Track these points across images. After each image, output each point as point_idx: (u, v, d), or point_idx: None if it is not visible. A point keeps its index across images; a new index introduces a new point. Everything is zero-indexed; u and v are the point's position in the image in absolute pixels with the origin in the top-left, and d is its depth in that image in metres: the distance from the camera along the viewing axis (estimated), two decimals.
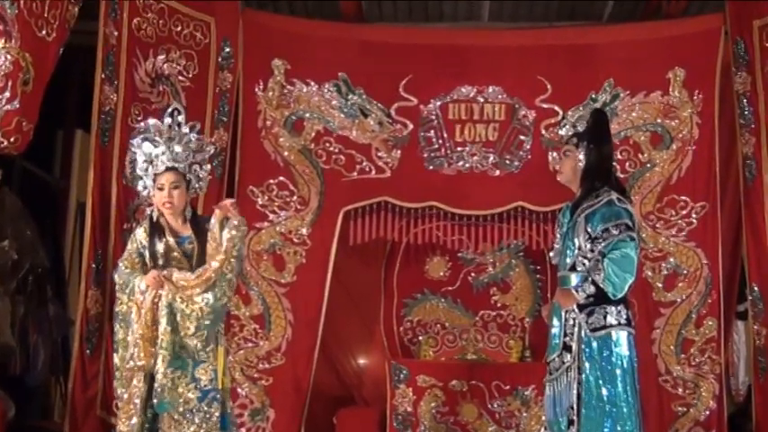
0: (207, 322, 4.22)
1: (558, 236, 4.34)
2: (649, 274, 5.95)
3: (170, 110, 4.43)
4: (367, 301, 6.54)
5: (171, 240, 4.35)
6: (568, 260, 4.19)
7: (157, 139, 4.35)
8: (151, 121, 4.43)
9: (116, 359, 4.33)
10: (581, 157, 4.27)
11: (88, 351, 5.38)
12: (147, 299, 4.22)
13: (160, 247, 4.33)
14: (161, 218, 4.40)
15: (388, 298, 6.59)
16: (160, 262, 4.34)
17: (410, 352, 6.47)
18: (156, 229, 4.37)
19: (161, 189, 4.35)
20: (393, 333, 6.52)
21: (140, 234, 4.40)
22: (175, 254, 4.35)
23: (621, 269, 4.04)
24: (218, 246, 4.26)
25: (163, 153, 4.34)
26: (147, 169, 4.36)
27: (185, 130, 4.41)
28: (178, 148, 4.36)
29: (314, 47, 6.20)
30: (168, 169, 4.35)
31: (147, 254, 4.36)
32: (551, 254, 4.44)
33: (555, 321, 4.24)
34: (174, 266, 4.33)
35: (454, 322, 6.53)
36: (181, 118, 4.40)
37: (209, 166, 4.51)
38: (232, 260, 4.26)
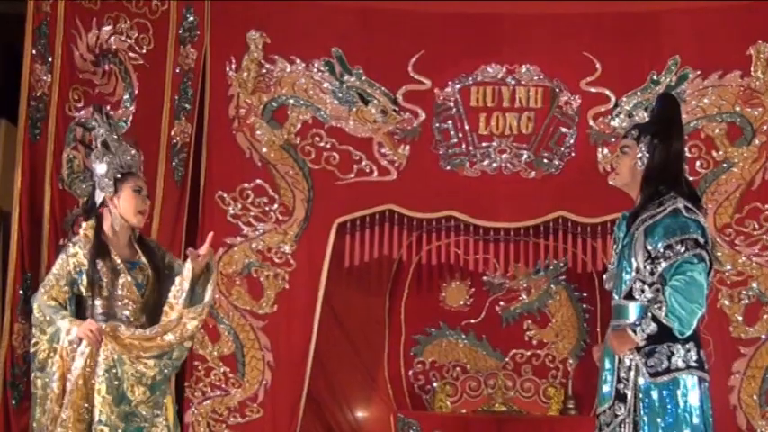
0: (163, 385, 4.27)
1: (614, 254, 4.35)
2: (726, 303, 5.95)
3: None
4: (367, 338, 6.54)
5: (120, 264, 4.30)
6: (624, 285, 4.20)
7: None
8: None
9: (36, 414, 4.26)
10: (642, 154, 4.28)
11: (14, 402, 5.40)
12: (79, 361, 4.15)
13: (105, 271, 4.27)
14: (103, 234, 4.34)
15: (395, 334, 6.59)
16: (104, 293, 4.29)
17: (422, 402, 6.47)
18: (99, 249, 4.30)
19: (138, 191, 4.35)
20: (400, 378, 6.52)
21: (76, 253, 4.32)
22: (124, 281, 4.30)
23: (688, 299, 4.02)
24: (179, 297, 4.25)
25: (133, 157, 4.39)
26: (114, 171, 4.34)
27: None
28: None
29: (300, 15, 6.20)
30: (135, 174, 4.39)
31: (83, 281, 4.28)
32: (605, 277, 4.44)
33: (607, 363, 4.23)
34: (122, 299, 4.29)
35: (478, 364, 6.54)
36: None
37: None
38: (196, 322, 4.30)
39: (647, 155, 4.26)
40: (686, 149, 5.90)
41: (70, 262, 4.32)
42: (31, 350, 4.33)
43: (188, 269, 4.27)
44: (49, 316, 4.27)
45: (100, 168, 4.30)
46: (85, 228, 4.35)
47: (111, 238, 4.34)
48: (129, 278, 4.31)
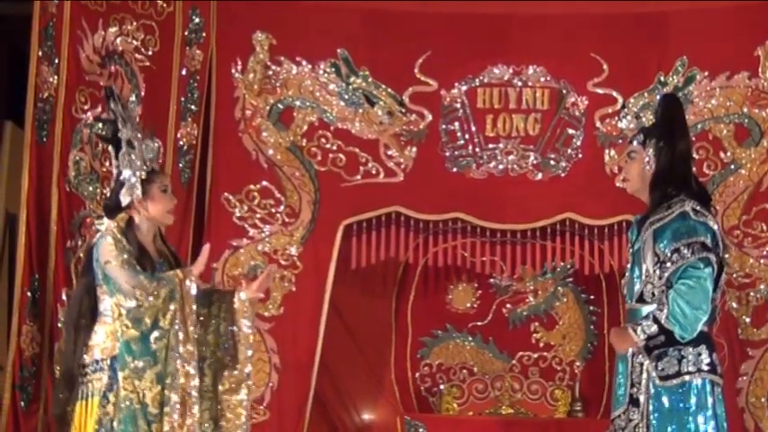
0: None
1: (630, 258, 4.38)
2: (734, 305, 5.98)
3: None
4: (374, 341, 6.59)
5: (156, 265, 4.26)
6: (636, 289, 4.23)
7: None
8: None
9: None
10: (650, 158, 4.30)
11: (22, 403, 5.43)
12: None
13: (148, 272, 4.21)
14: (135, 235, 4.27)
15: (401, 336, 6.63)
16: None
17: (429, 405, 6.52)
18: (140, 251, 4.22)
19: (165, 191, 4.33)
20: (407, 380, 6.57)
21: (118, 241, 4.17)
22: None
23: (691, 304, 4.03)
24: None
25: (153, 149, 4.37)
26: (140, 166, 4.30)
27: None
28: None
29: (306, 17, 6.23)
30: (158, 171, 4.39)
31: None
32: (622, 282, 4.48)
33: (620, 367, 4.26)
34: None
35: (485, 367, 6.57)
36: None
37: None
38: None
39: (655, 158, 4.29)
40: (694, 151, 5.97)
41: (121, 245, 4.16)
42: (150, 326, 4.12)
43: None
44: (153, 281, 4.13)
45: (126, 172, 4.25)
46: (115, 228, 4.22)
47: (141, 240, 4.30)
48: None
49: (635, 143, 4.38)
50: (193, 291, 4.17)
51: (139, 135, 4.33)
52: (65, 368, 4.24)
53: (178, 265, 4.37)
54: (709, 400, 4.09)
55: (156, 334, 4.09)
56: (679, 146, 4.30)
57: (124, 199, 4.25)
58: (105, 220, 4.29)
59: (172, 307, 4.12)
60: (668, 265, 4.11)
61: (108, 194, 4.38)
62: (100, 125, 4.54)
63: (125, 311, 4.09)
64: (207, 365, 4.25)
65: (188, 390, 4.10)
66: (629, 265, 4.36)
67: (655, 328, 4.07)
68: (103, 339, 4.17)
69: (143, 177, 4.27)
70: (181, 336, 4.10)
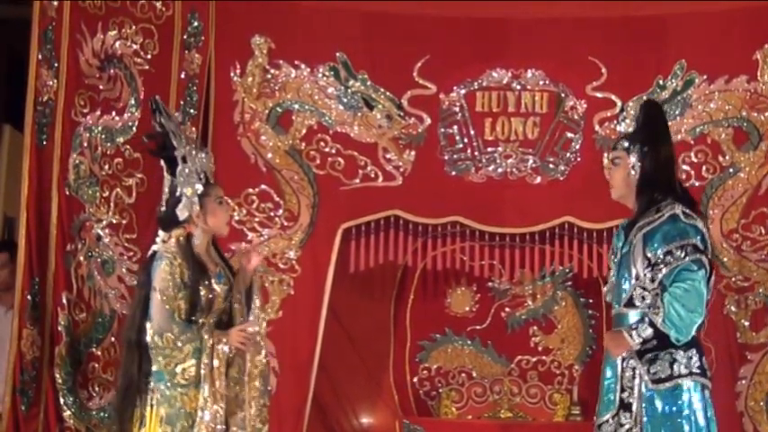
0: None
1: (613, 265, 4.45)
2: (732, 309, 6.03)
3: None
4: (372, 344, 6.63)
5: (213, 281, 4.36)
6: (625, 294, 4.29)
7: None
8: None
9: None
10: (634, 163, 4.37)
11: (23, 407, 5.51)
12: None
13: (205, 293, 4.32)
14: (194, 250, 4.35)
15: (400, 340, 6.69)
16: (201, 311, 4.34)
17: (427, 408, 6.58)
18: (199, 270, 4.32)
19: (221, 203, 4.46)
20: (406, 384, 6.63)
21: (174, 267, 4.27)
22: (216, 294, 4.37)
23: (687, 307, 4.09)
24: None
25: (203, 159, 4.50)
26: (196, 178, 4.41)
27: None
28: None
29: (305, 20, 6.29)
30: (211, 183, 4.49)
31: (182, 304, 4.27)
32: (605, 289, 4.54)
33: (608, 372, 4.31)
34: (214, 314, 4.38)
35: (483, 370, 6.63)
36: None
37: None
38: None
39: (639, 163, 4.36)
40: (692, 155, 6.04)
41: (174, 276, 4.27)
42: (169, 369, 4.22)
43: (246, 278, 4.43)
44: (184, 334, 4.22)
45: (186, 189, 4.37)
46: (174, 247, 4.32)
47: (199, 253, 4.40)
48: (220, 292, 4.41)
49: (619, 149, 4.45)
50: (225, 350, 4.27)
51: (189, 148, 4.44)
52: (126, 383, 4.32)
53: (232, 274, 4.48)
54: (701, 403, 4.16)
55: (170, 382, 4.21)
56: (663, 150, 4.36)
57: (182, 214, 4.37)
58: (161, 233, 4.39)
59: (193, 361, 4.21)
60: (661, 267, 4.17)
61: (163, 208, 4.45)
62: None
63: (148, 339, 4.22)
64: None
65: None
66: (612, 271, 4.42)
67: (650, 331, 4.13)
68: None
69: (199, 193, 4.38)
70: (209, 401, 4.19)
